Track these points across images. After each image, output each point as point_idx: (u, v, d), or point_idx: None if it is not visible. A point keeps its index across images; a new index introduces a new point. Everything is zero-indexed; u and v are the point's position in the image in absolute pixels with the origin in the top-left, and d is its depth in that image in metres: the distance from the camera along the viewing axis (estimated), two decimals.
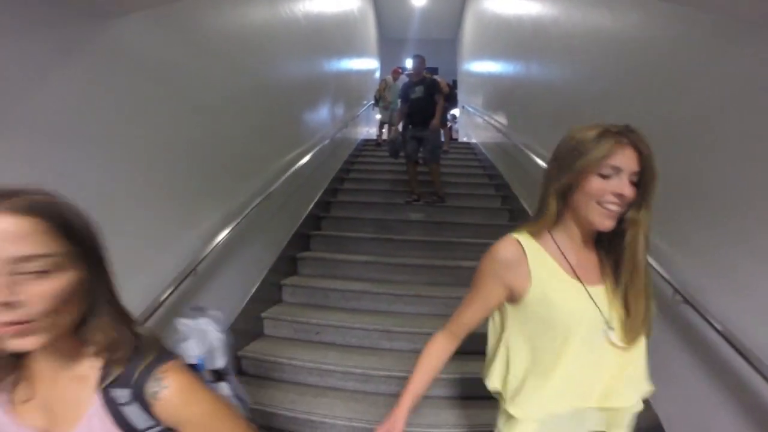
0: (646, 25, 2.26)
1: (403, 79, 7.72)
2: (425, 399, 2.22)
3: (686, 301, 1.75)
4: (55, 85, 1.38)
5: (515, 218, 4.38)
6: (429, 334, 2.64)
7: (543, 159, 3.51)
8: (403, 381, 2.35)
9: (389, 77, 7.59)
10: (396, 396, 2.32)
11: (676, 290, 1.81)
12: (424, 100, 4.78)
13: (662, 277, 1.90)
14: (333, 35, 5.14)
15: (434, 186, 4.83)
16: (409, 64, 11.61)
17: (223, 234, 2.25)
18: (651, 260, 1.96)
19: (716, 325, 1.60)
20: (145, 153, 1.78)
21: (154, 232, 1.85)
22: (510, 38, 5.21)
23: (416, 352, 2.62)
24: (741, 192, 1.61)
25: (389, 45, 11.26)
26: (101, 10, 1.53)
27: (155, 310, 1.71)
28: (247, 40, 2.68)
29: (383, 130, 7.60)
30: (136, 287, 1.72)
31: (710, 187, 1.77)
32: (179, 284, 1.85)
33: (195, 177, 2.17)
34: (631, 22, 2.39)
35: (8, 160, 1.25)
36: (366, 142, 7.45)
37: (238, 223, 2.40)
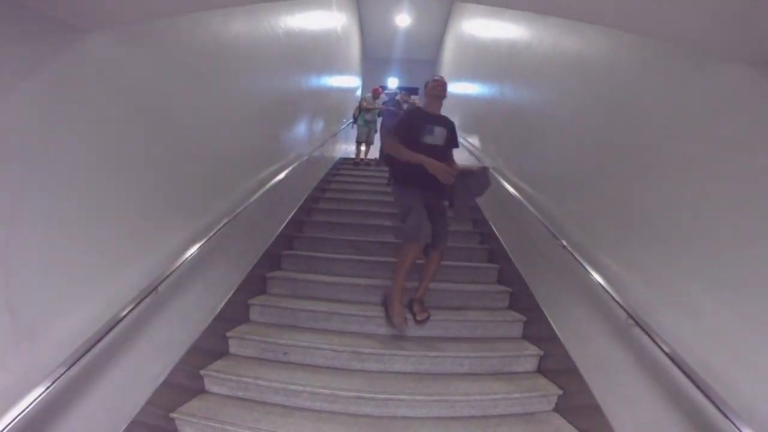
0: (612, 52, 2.38)
1: (383, 99, 7.84)
2: None
3: (638, 325, 1.82)
4: (17, 102, 1.36)
5: (485, 242, 4.47)
6: (399, 356, 2.72)
7: (511, 185, 3.63)
8: (373, 402, 2.38)
9: (369, 95, 7.74)
10: (366, 417, 2.34)
11: (628, 314, 1.88)
12: (442, 153, 3.02)
13: (615, 300, 1.98)
14: (313, 52, 5.15)
15: (424, 282, 3.12)
16: (392, 83, 11.73)
17: (189, 253, 2.22)
18: (604, 283, 2.07)
19: (664, 347, 1.67)
20: (105, 170, 1.75)
21: (113, 250, 1.81)
22: (486, 62, 5.36)
23: (386, 373, 2.66)
24: (693, 220, 1.70)
25: (372, 63, 11.50)
26: (67, 26, 1.52)
27: (115, 325, 1.68)
28: (221, 56, 2.68)
29: (362, 148, 7.70)
30: (96, 302, 1.70)
31: (664, 214, 1.86)
32: (140, 302, 1.82)
33: (161, 195, 2.14)
34: (599, 49, 2.52)
35: None
36: (344, 161, 7.51)
37: (204, 243, 2.37)
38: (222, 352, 2.83)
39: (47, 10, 1.42)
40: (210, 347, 2.69)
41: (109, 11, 1.57)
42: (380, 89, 8.04)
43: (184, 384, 2.40)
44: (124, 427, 1.90)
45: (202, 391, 2.54)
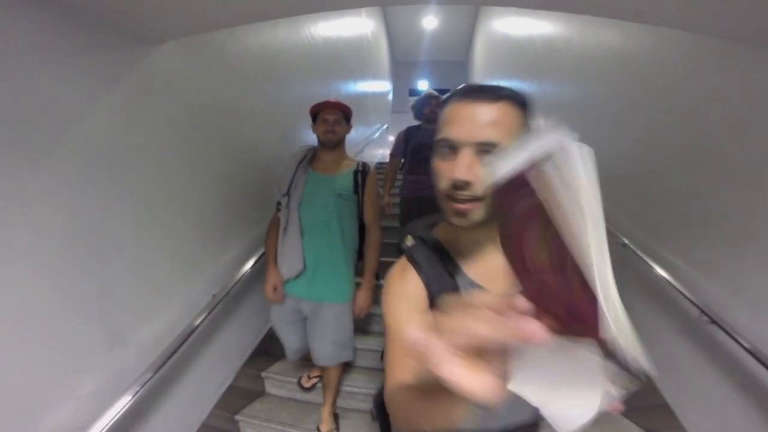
0: (656, 48, 2.31)
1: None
2: None
3: (713, 322, 1.76)
4: (100, 112, 1.42)
5: None
6: None
7: None
8: None
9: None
10: None
11: (702, 311, 1.82)
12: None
13: (687, 298, 1.92)
14: (349, 59, 5.23)
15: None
16: (423, 86, 11.34)
17: (253, 260, 2.31)
18: (675, 282, 2.00)
19: (744, 343, 1.62)
20: (178, 180, 1.84)
21: (189, 258, 1.91)
22: (521, 59, 5.25)
23: None
24: (764, 214, 1.63)
25: (401, 68, 11.44)
26: (142, 37, 1.59)
27: (193, 331, 1.76)
28: (272, 66, 2.77)
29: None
30: (174, 308, 1.79)
31: (733, 210, 1.79)
32: (215, 306, 1.90)
33: (223, 205, 2.23)
34: (643, 45, 2.45)
35: (57, 187, 1.28)
36: (380, 165, 7.50)
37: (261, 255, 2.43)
38: (280, 355, 2.89)
39: (124, 22, 1.49)
40: (269, 350, 2.77)
41: (179, 23, 1.62)
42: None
43: (247, 387, 2.48)
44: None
45: (263, 393, 2.63)
